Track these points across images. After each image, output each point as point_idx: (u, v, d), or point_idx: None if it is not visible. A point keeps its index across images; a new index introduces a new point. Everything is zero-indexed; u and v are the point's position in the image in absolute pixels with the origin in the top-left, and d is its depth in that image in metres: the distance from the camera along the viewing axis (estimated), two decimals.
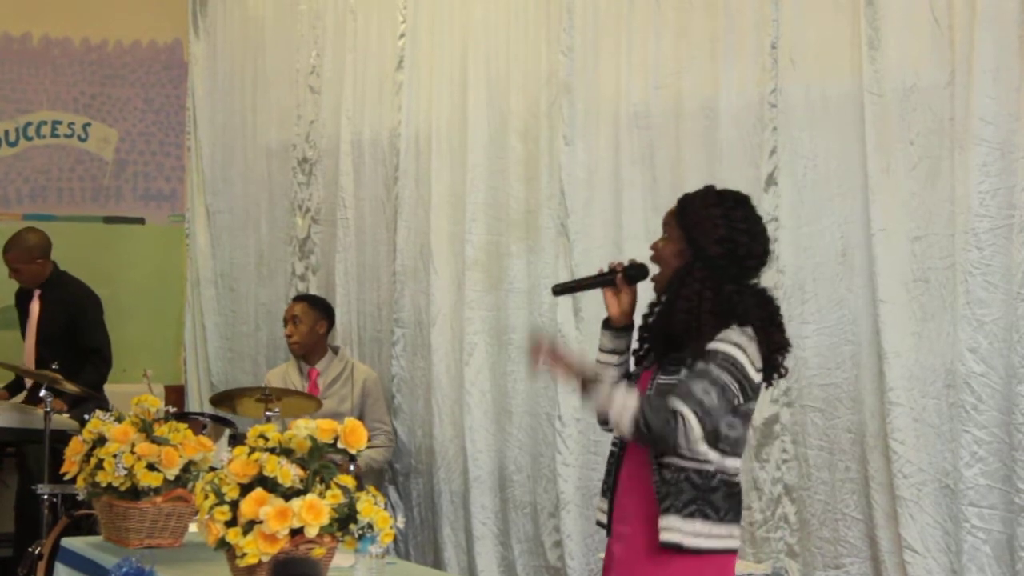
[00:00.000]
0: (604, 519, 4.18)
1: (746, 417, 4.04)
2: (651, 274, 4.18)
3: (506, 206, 6.58)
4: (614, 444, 4.19)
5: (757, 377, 4.00)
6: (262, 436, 3.99)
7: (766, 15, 5.43)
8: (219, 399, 7.11)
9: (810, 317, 5.29)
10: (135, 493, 4.67)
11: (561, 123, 6.26)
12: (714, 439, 3.95)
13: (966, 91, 4.76)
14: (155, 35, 9.45)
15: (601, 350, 4.24)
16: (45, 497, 6.33)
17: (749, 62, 5.51)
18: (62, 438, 5.25)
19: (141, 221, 9.45)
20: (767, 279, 5.37)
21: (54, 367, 7.14)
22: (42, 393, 6.57)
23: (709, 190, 4.14)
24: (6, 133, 9.16)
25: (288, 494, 3.83)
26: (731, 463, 4.01)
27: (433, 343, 6.91)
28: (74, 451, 4.82)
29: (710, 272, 4.00)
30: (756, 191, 5.44)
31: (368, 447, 4.11)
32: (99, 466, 4.69)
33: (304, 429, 3.96)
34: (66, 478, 4.88)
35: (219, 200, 8.84)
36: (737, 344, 3.95)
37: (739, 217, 4.04)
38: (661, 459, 3.98)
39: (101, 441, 4.74)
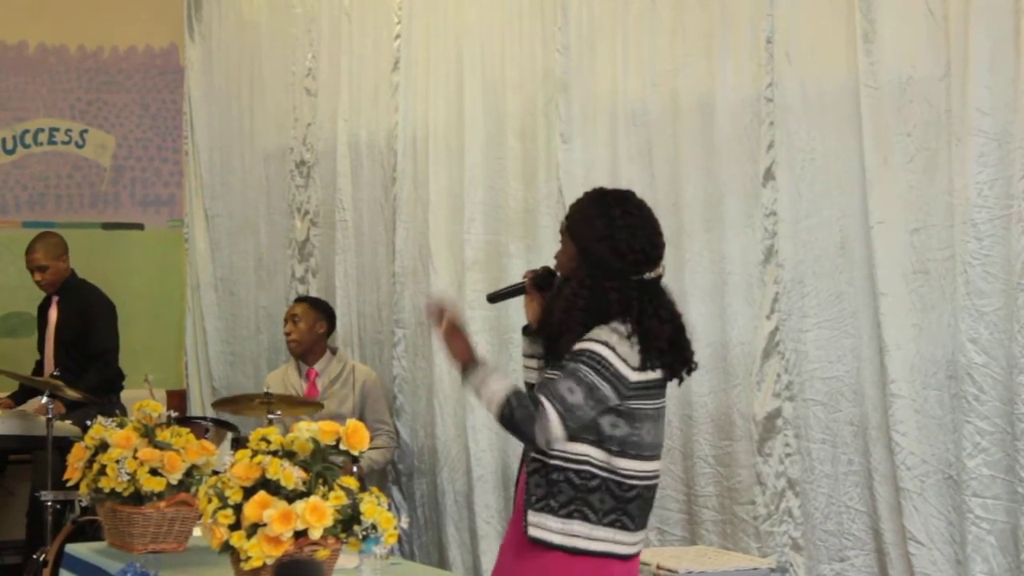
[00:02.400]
0: None
1: (633, 418, 4.00)
2: (557, 279, 4.23)
3: (504, 205, 6.59)
4: (525, 452, 4.21)
5: (635, 376, 3.97)
6: (264, 439, 3.99)
7: (761, 10, 5.43)
8: (220, 405, 7.12)
9: (810, 311, 5.29)
10: (138, 498, 4.68)
11: (558, 121, 6.27)
12: (598, 438, 3.96)
13: (962, 82, 4.76)
14: (150, 40, 9.45)
15: (523, 355, 4.30)
16: (49, 504, 6.34)
17: (745, 57, 5.51)
18: (67, 444, 5.26)
19: (140, 227, 9.45)
20: (767, 272, 5.43)
21: (55, 373, 7.14)
22: (44, 399, 6.58)
23: (592, 193, 4.22)
24: (3, 141, 9.16)
25: (291, 496, 3.83)
26: (622, 463, 3.98)
27: (434, 343, 6.91)
28: (77, 457, 4.82)
29: (595, 271, 4.04)
30: (754, 186, 5.46)
31: (369, 448, 4.11)
32: (102, 472, 4.69)
33: (306, 431, 3.96)
34: (69, 484, 4.89)
35: (218, 204, 8.84)
36: (606, 343, 3.96)
37: (618, 214, 4.09)
38: (534, 462, 4.01)
39: (103, 447, 4.74)
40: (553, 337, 4.07)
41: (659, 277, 4.12)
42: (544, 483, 3.99)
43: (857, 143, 5.09)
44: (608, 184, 5.98)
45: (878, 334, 5.01)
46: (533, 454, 4.03)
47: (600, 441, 3.97)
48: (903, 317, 4.95)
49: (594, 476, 3.97)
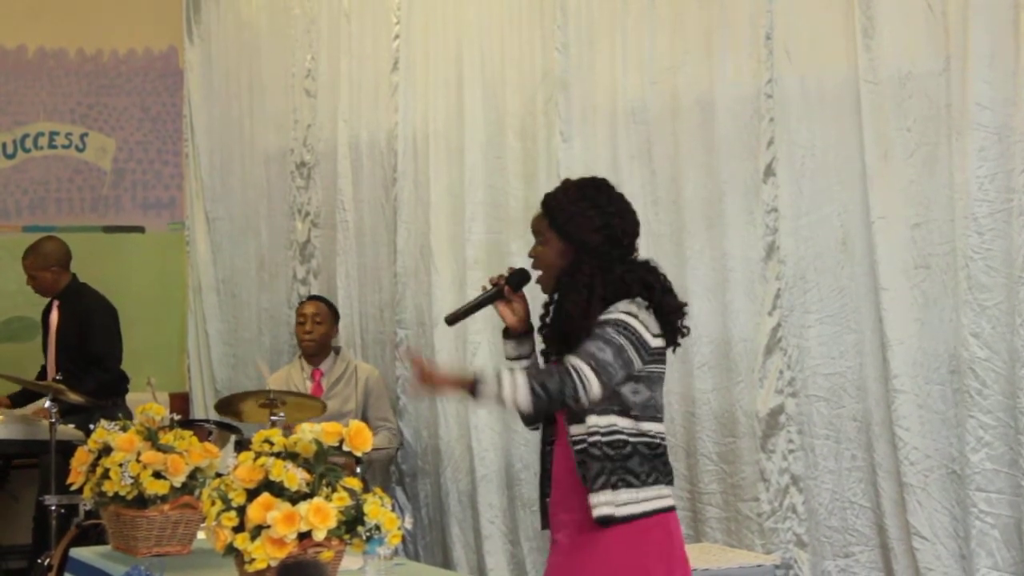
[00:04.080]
0: (546, 521, 4.22)
1: (651, 381, 4.07)
2: (532, 277, 4.24)
3: (505, 204, 6.59)
4: (543, 441, 4.22)
5: (654, 342, 4.06)
6: (267, 441, 3.99)
7: (760, 7, 5.43)
8: (223, 404, 7.11)
9: (812, 307, 5.29)
10: (142, 501, 4.67)
11: (558, 120, 6.27)
12: (622, 407, 4.01)
13: (962, 77, 4.77)
14: (150, 43, 9.45)
15: (508, 359, 4.30)
16: (53, 508, 6.34)
17: (744, 54, 5.51)
18: (71, 448, 5.25)
19: (141, 230, 9.46)
20: (769, 269, 5.43)
21: (57, 377, 7.14)
22: (46, 404, 6.58)
23: (568, 185, 4.23)
24: (3, 145, 9.17)
25: (295, 498, 3.83)
26: (648, 426, 4.06)
27: (436, 343, 6.92)
28: (80, 461, 4.82)
29: (598, 261, 4.07)
30: (755, 182, 5.46)
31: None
32: (105, 475, 4.69)
33: (309, 433, 3.96)
34: (72, 488, 4.88)
35: (218, 206, 8.84)
36: (627, 311, 4.02)
37: (605, 201, 4.13)
38: (577, 444, 4.02)
39: (107, 450, 4.74)
40: (570, 331, 4.08)
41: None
42: (592, 463, 4.01)
43: (857, 139, 5.09)
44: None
45: (880, 329, 5.01)
46: (575, 442, 4.02)
47: (626, 409, 4.03)
48: (905, 312, 4.96)
49: (626, 443, 4.02)
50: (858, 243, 5.13)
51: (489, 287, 4.30)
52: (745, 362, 5.50)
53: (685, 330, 4.17)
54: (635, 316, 4.02)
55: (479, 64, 6.73)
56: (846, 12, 5.13)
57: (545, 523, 4.24)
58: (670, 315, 4.10)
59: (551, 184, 6.26)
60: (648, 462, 4.04)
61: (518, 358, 4.27)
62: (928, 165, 4.91)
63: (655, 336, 4.06)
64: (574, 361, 3.95)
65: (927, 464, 4.90)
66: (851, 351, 5.19)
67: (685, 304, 4.18)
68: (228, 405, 7.04)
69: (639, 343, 4.01)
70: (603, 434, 4.01)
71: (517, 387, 3.97)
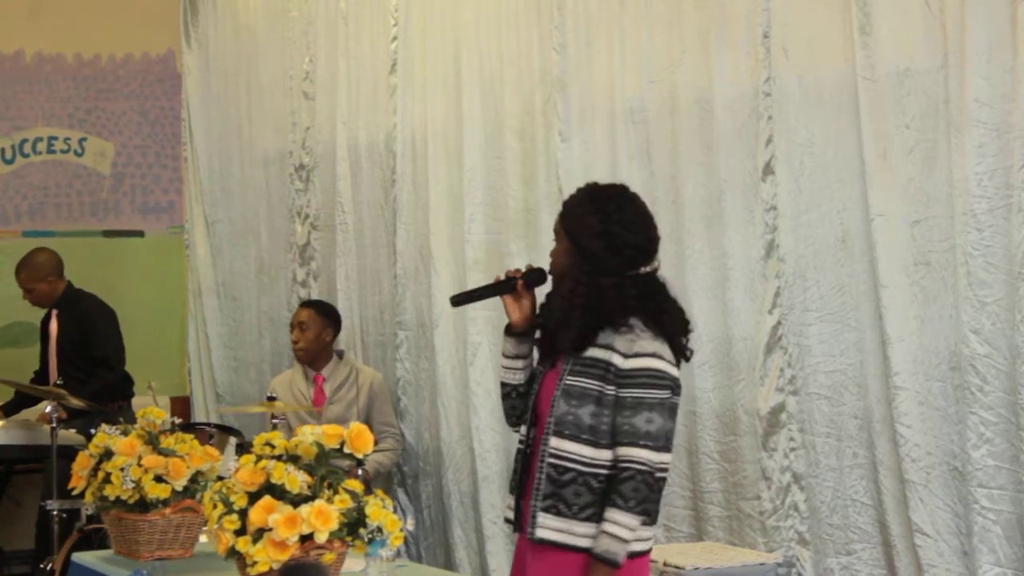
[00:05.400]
0: (512, 515, 4.19)
1: (676, 411, 4.08)
2: (548, 281, 4.24)
3: (504, 205, 6.59)
4: (522, 443, 4.22)
5: (678, 373, 4.08)
6: (268, 444, 3.99)
7: (757, 5, 5.43)
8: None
9: (812, 305, 5.29)
10: (144, 505, 4.67)
11: (556, 120, 6.27)
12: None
13: (960, 73, 4.76)
14: (147, 47, 9.45)
15: (505, 356, 4.28)
16: (56, 513, 6.34)
17: (742, 52, 5.51)
18: (73, 454, 5.26)
19: (140, 233, 9.46)
20: (769, 267, 5.43)
21: (58, 382, 7.14)
22: (48, 409, 6.58)
23: (586, 189, 4.22)
24: (2, 151, 9.17)
25: (296, 500, 3.83)
26: (667, 457, 4.05)
27: (437, 345, 6.92)
28: (81, 465, 4.82)
29: (592, 268, 4.05)
30: (754, 181, 5.46)
31: (375, 450, 4.11)
32: (107, 480, 4.69)
33: (310, 435, 3.96)
34: (74, 493, 4.88)
35: (218, 210, 8.84)
36: (654, 354, 4.01)
37: (613, 209, 4.10)
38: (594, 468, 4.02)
39: (108, 455, 4.74)
40: (553, 336, 4.10)
41: (655, 271, 4.14)
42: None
43: (856, 136, 5.09)
44: (607, 181, 6.03)
45: (880, 326, 5.01)
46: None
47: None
48: (905, 309, 4.95)
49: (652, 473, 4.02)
50: (858, 240, 5.13)
51: (504, 278, 4.28)
52: (746, 360, 5.50)
53: (688, 353, 4.15)
54: (661, 357, 4.01)
55: (477, 65, 6.73)
56: (843, 9, 5.13)
57: (509, 520, 4.22)
58: (672, 336, 4.08)
59: (550, 185, 6.30)
60: (660, 495, 4.07)
61: (516, 357, 4.25)
62: (927, 162, 4.91)
63: (674, 365, 4.06)
64: (631, 455, 3.94)
65: (928, 461, 4.89)
66: (851, 348, 5.19)
67: (689, 323, 4.16)
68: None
69: (672, 382, 4.02)
70: (596, 466, 4.02)
71: (625, 525, 3.94)
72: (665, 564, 5.13)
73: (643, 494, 3.95)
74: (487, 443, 6.64)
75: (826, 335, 5.26)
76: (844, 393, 5.21)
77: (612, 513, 3.95)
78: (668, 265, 5.73)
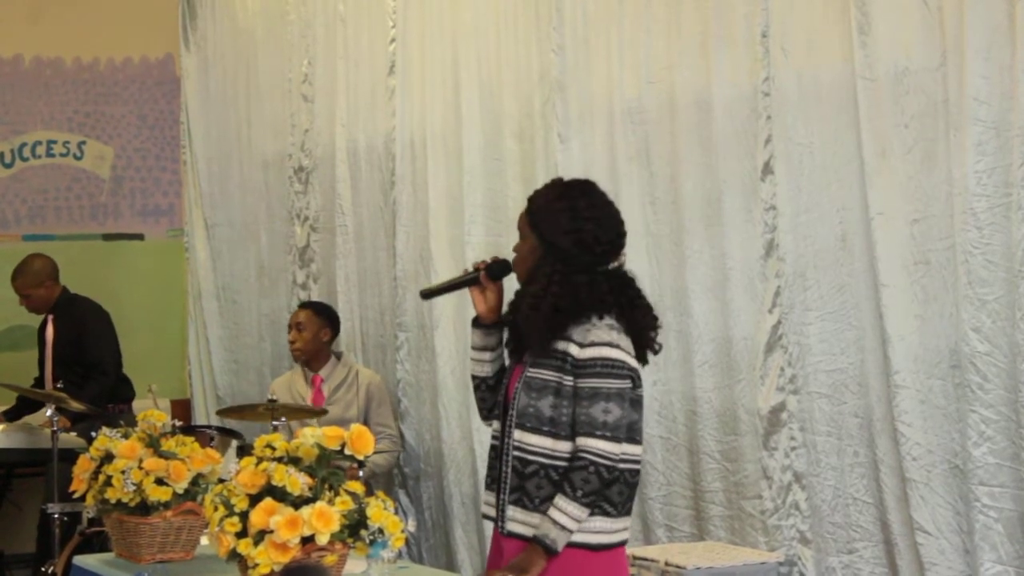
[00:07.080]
0: (492, 512, 4.20)
1: (636, 404, 4.06)
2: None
3: (504, 207, 6.58)
4: (494, 437, 4.24)
5: (637, 364, 4.07)
6: (269, 446, 3.99)
7: (755, 5, 5.43)
8: (225, 415, 7.12)
9: (812, 304, 5.29)
10: (145, 508, 4.67)
11: (555, 122, 6.27)
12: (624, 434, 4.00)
13: (958, 72, 4.76)
14: (146, 51, 9.45)
15: (473, 348, 4.29)
16: (57, 516, 6.34)
17: (740, 52, 5.51)
18: (74, 457, 5.27)
19: (140, 237, 9.46)
20: (768, 266, 5.43)
21: (58, 386, 7.15)
22: (48, 412, 6.59)
23: (554, 183, 4.21)
24: (1, 155, 9.17)
25: (297, 502, 3.83)
26: (632, 449, 4.06)
27: (437, 346, 6.92)
28: (82, 469, 4.82)
29: (562, 264, 4.04)
30: (753, 181, 5.46)
31: (373, 452, 4.11)
32: (108, 483, 4.69)
33: (311, 437, 3.96)
34: (75, 496, 4.88)
35: (217, 213, 8.85)
36: (610, 343, 3.99)
37: (583, 205, 4.07)
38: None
39: (109, 458, 4.74)
40: (522, 331, 4.09)
41: (621, 266, 4.14)
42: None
43: (855, 135, 5.09)
44: (607, 182, 6.03)
45: (880, 325, 5.01)
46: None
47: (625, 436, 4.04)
48: (905, 308, 4.95)
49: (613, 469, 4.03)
50: (857, 240, 5.13)
51: (471, 270, 4.29)
52: (746, 360, 5.50)
53: (657, 346, 4.14)
54: (617, 346, 4.00)
55: (476, 67, 6.74)
56: (841, 8, 5.13)
57: (488, 516, 4.22)
58: (639, 331, 4.07)
59: None
60: (629, 488, 4.07)
61: (483, 348, 4.26)
62: (926, 161, 4.91)
63: (635, 357, 4.06)
64: (585, 445, 3.94)
65: (929, 459, 4.90)
66: (852, 347, 5.19)
67: (657, 319, 4.14)
68: (230, 414, 7.06)
69: (631, 372, 4.01)
70: (559, 459, 4.02)
71: (570, 513, 3.95)
72: (667, 564, 5.13)
73: (593, 485, 3.94)
74: (488, 444, 6.60)
75: (826, 334, 5.26)
76: (845, 392, 5.21)
77: (558, 500, 3.96)
78: (668, 265, 5.77)
